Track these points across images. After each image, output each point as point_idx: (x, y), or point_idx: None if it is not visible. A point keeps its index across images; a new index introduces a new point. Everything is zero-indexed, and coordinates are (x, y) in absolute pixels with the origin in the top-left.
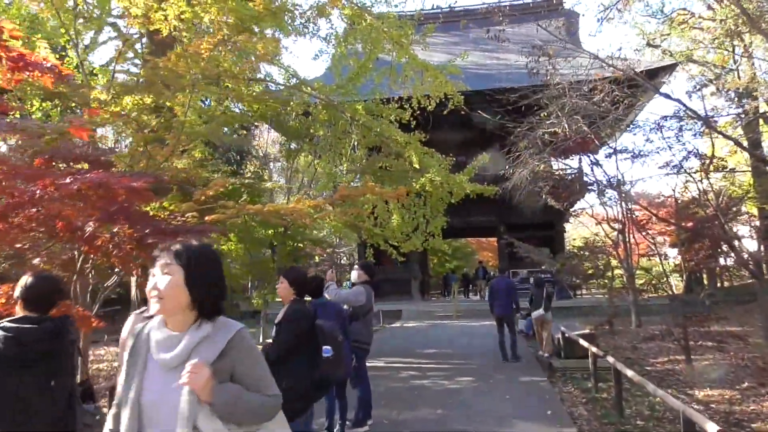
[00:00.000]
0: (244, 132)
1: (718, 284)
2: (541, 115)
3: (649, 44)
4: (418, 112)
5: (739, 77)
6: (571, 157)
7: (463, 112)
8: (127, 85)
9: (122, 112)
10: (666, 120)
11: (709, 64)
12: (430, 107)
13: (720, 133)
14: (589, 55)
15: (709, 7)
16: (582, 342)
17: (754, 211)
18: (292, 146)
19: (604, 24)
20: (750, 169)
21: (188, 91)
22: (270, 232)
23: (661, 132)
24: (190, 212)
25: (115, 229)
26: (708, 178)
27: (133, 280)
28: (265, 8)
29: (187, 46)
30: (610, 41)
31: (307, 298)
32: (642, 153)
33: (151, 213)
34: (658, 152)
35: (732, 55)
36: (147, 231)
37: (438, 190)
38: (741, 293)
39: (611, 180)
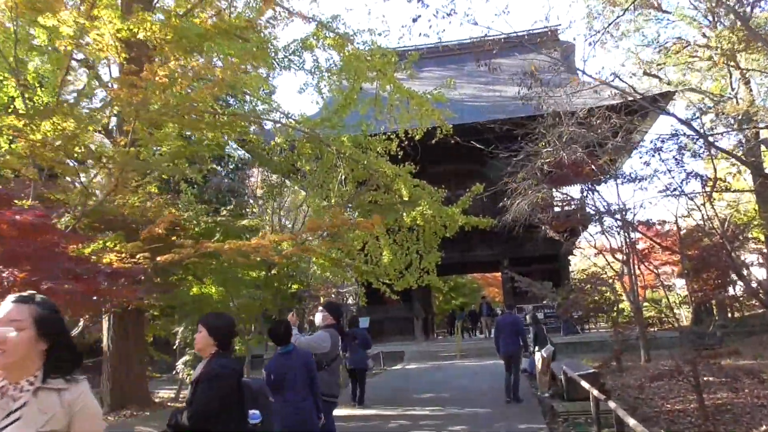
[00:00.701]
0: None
1: (729, 315)
2: (539, 144)
3: (645, 73)
4: (407, 143)
5: (737, 103)
6: (571, 187)
7: (454, 143)
8: (46, 110)
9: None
10: (664, 142)
11: (707, 92)
12: (417, 137)
13: (723, 150)
14: (588, 76)
15: (704, 35)
16: (583, 383)
17: (761, 237)
18: (273, 180)
19: (599, 51)
20: (754, 194)
21: (134, 119)
22: (255, 273)
23: (659, 155)
24: (140, 253)
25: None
26: (712, 204)
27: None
28: (214, 27)
29: (144, 73)
30: (607, 72)
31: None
32: (640, 177)
33: (88, 254)
34: (656, 176)
35: (729, 82)
36: (52, 274)
37: (430, 223)
38: (753, 324)
39: (611, 207)
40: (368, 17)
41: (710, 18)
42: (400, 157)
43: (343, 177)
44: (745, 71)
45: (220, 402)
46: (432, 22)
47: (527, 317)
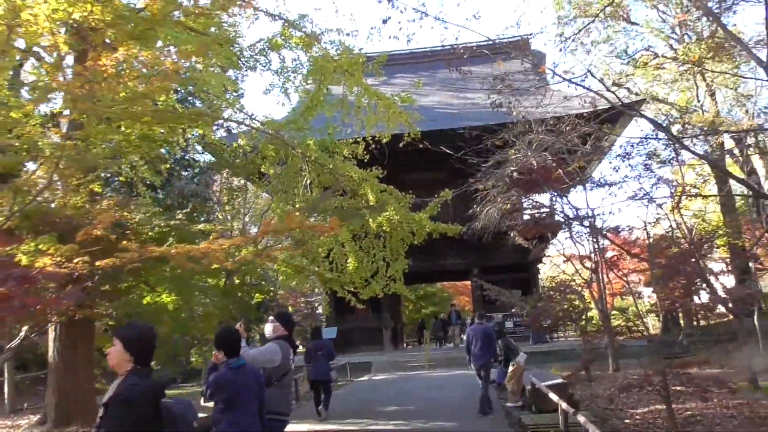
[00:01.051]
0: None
1: (695, 323)
2: (509, 152)
3: (615, 83)
4: (375, 147)
5: (703, 114)
6: (540, 195)
7: (425, 150)
8: None
9: None
10: (633, 147)
11: (674, 103)
12: (385, 140)
13: (696, 154)
14: (562, 77)
15: (671, 47)
16: (552, 395)
17: (726, 246)
18: (234, 184)
19: (570, 60)
20: (719, 204)
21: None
22: (213, 281)
23: (628, 160)
24: (78, 257)
25: None
26: (680, 212)
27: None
28: (161, 11)
29: (89, 62)
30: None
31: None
32: (609, 183)
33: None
34: (625, 181)
35: (696, 94)
36: None
37: (398, 230)
38: (718, 332)
39: (579, 213)
40: (336, 15)
41: (678, 31)
42: (366, 161)
43: (308, 181)
44: (710, 83)
45: (132, 429)
46: (402, 25)
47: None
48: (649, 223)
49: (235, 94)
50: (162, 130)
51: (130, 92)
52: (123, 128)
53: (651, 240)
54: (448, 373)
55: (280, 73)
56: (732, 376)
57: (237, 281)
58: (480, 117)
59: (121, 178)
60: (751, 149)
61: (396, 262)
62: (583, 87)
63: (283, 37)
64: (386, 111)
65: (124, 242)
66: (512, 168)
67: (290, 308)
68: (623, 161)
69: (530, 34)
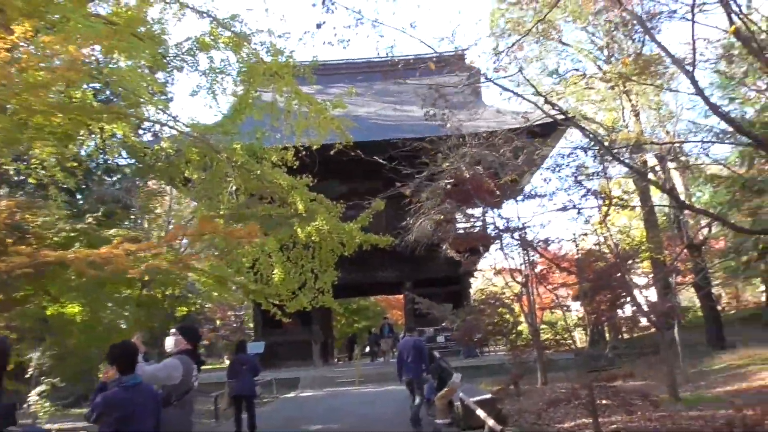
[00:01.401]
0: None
1: (620, 336)
2: (444, 165)
3: (546, 101)
4: (305, 154)
5: (628, 133)
6: (473, 208)
7: (360, 161)
8: None
9: None
10: (564, 158)
11: (601, 123)
12: (316, 146)
13: (626, 164)
14: (502, 88)
15: (599, 68)
16: (479, 412)
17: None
18: (152, 188)
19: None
20: (643, 220)
21: None
22: (128, 291)
23: (559, 171)
24: None
25: None
26: (607, 226)
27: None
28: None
29: None
30: (510, 99)
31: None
32: (539, 194)
33: None
34: (555, 193)
35: (621, 115)
36: None
37: (327, 240)
38: (642, 345)
39: (511, 226)
40: (267, 15)
41: (605, 52)
42: (297, 168)
43: (233, 188)
44: (635, 104)
45: None
46: (337, 30)
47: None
48: (579, 236)
49: (162, 96)
50: (62, 123)
51: (28, 80)
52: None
53: (579, 254)
54: (379, 388)
55: (208, 74)
56: (654, 388)
57: (158, 293)
58: (415, 129)
59: (31, 180)
60: (672, 166)
61: (325, 274)
62: (516, 94)
63: (211, 37)
64: (317, 116)
65: (21, 246)
66: (446, 180)
67: (218, 322)
68: (554, 173)
69: (465, 48)
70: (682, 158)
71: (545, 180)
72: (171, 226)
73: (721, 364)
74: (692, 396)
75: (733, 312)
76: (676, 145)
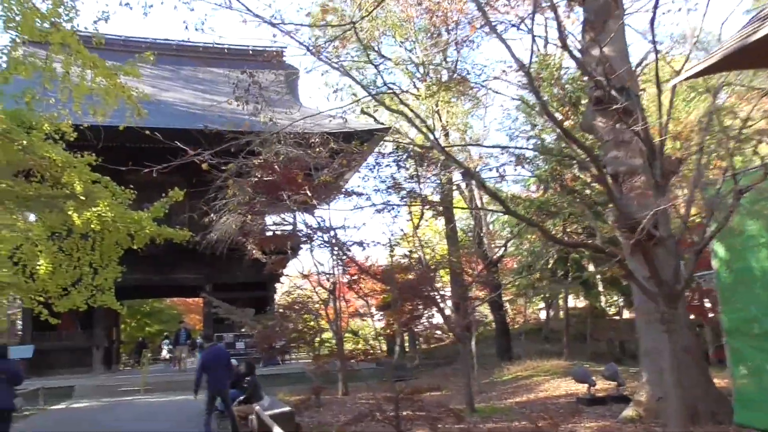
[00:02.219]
0: None
1: (417, 347)
2: (254, 162)
3: (363, 111)
4: (89, 129)
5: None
6: (283, 206)
7: (159, 146)
8: None
9: None
10: (384, 157)
11: (413, 141)
12: (100, 117)
13: (455, 160)
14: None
15: (415, 85)
16: (276, 430)
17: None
18: None
19: (320, 83)
20: (446, 238)
21: None
22: None
23: (379, 171)
24: None
25: None
26: (418, 237)
27: None
28: None
29: None
30: (327, 102)
31: None
32: (357, 193)
33: None
34: (376, 192)
35: (434, 132)
36: None
37: (112, 231)
38: (438, 356)
39: (323, 225)
40: None
41: (422, 69)
42: (81, 147)
43: None
44: (445, 125)
45: None
46: None
47: (243, 366)
48: (392, 242)
49: None
50: None
51: None
52: None
53: (390, 263)
54: (166, 399)
55: None
56: (451, 398)
57: None
58: (225, 122)
59: None
60: (473, 184)
61: (106, 270)
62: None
63: None
64: (107, 82)
65: None
66: (256, 176)
67: None
68: (372, 171)
69: (284, 47)
70: (483, 177)
71: (363, 178)
72: None
73: (509, 375)
74: (486, 407)
75: (516, 327)
76: (478, 165)
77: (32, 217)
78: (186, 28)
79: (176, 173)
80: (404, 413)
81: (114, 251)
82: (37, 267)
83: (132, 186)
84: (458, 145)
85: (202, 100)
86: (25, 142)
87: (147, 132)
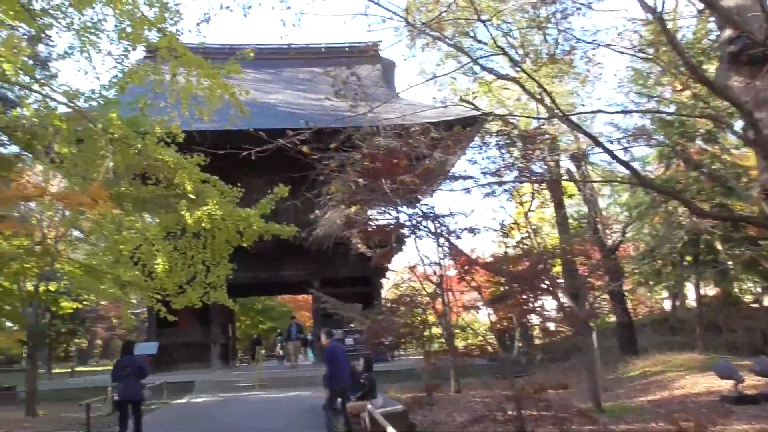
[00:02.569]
0: None
1: (532, 342)
2: (355, 156)
3: (462, 99)
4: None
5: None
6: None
7: (266, 154)
8: None
9: None
10: (492, 137)
11: (515, 126)
12: (206, 117)
13: (588, 135)
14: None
15: (514, 69)
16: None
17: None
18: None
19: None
20: (557, 224)
21: None
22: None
23: (485, 149)
24: None
25: None
26: (529, 222)
27: None
28: None
29: None
30: (426, 93)
31: None
32: (465, 176)
33: None
34: (478, 180)
35: (537, 116)
36: None
37: (221, 228)
38: (554, 350)
39: (430, 213)
40: None
41: (521, 51)
42: (190, 149)
43: (111, 164)
44: (548, 109)
45: None
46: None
47: (360, 362)
48: (505, 226)
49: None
50: None
51: None
52: None
53: (505, 251)
54: (279, 394)
55: (82, 33)
56: (573, 396)
57: (7, 284)
58: (327, 120)
59: None
60: (585, 167)
61: (218, 267)
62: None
63: None
64: (210, 82)
65: None
66: (357, 170)
67: (113, 321)
68: (480, 151)
69: (380, 41)
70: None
71: (470, 161)
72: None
73: (637, 370)
74: (615, 406)
75: (637, 318)
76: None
77: (147, 219)
78: (284, 24)
79: (280, 173)
80: (527, 413)
81: (224, 249)
82: (155, 266)
83: (240, 186)
84: (583, 112)
85: (303, 99)
86: (139, 146)
87: (251, 131)
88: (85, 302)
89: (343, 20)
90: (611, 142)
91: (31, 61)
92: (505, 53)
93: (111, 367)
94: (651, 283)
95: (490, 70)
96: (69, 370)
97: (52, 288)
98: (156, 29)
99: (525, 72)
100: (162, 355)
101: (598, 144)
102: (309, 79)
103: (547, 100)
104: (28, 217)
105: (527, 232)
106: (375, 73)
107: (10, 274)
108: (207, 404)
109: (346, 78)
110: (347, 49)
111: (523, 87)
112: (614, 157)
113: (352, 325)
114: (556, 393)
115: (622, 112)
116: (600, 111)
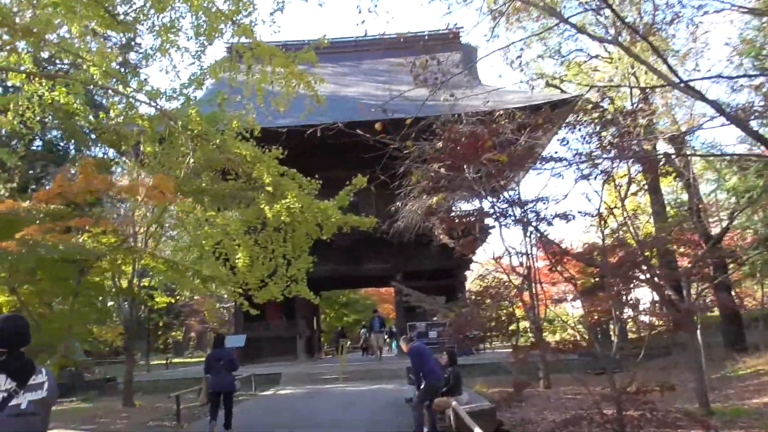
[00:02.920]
0: None
1: (626, 336)
2: (437, 145)
3: (548, 84)
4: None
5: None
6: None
7: (344, 148)
8: None
9: None
10: (587, 114)
11: (606, 109)
12: (282, 108)
13: (707, 101)
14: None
15: (606, 49)
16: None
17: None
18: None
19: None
20: (653, 214)
21: None
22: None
23: (579, 129)
24: None
25: None
26: (625, 208)
27: None
28: None
29: None
30: (508, 79)
31: None
32: (557, 158)
33: None
34: (570, 164)
35: (630, 101)
36: None
37: (301, 222)
38: (650, 346)
39: (517, 199)
40: None
41: (613, 32)
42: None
43: (191, 161)
44: (646, 88)
45: None
46: None
47: (445, 356)
48: (603, 213)
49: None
50: None
51: None
52: None
53: (603, 240)
54: (363, 387)
55: (160, 31)
56: (677, 397)
57: (100, 280)
58: (407, 110)
59: None
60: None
61: (299, 260)
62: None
63: None
64: (284, 71)
65: None
66: (440, 165)
67: (206, 314)
68: (573, 131)
69: (461, 27)
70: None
71: (562, 141)
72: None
73: (747, 369)
74: (725, 408)
75: (745, 312)
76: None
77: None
78: (359, 11)
79: (360, 168)
80: (627, 414)
81: (305, 242)
82: (237, 260)
83: (318, 179)
84: (701, 78)
85: (383, 91)
86: (218, 141)
87: (332, 124)
88: (178, 297)
89: (421, 2)
90: (734, 112)
91: (121, 69)
92: (610, 7)
93: (203, 359)
94: (761, 275)
95: (590, 35)
96: (165, 361)
97: (146, 283)
98: (231, 22)
99: (636, 32)
100: (250, 347)
101: (723, 113)
102: (388, 70)
103: (663, 67)
104: (118, 216)
105: (624, 219)
106: (455, 58)
107: (100, 271)
108: (293, 396)
109: (426, 63)
110: (426, 36)
111: (632, 53)
112: (744, 128)
113: (435, 318)
114: (661, 393)
115: (745, 76)
116: (720, 76)
